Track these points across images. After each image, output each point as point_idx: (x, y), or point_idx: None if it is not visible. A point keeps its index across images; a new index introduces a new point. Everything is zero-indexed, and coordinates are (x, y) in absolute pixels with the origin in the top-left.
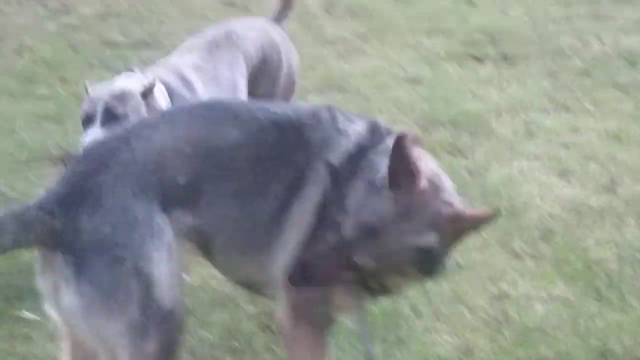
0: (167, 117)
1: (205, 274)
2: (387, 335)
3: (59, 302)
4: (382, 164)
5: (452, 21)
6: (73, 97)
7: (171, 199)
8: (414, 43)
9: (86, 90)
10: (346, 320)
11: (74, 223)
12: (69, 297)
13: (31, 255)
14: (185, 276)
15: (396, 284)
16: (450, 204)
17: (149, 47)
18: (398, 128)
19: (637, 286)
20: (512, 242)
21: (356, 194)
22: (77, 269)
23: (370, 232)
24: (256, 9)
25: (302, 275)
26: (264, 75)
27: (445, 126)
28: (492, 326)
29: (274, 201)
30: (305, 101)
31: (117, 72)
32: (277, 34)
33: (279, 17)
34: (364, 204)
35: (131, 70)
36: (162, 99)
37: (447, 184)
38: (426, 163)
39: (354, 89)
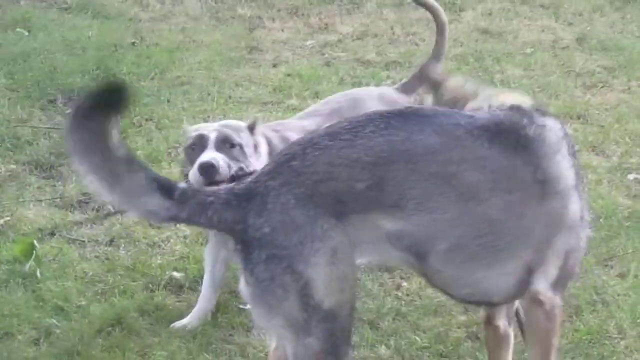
0: (351, 126)
1: (423, 281)
2: (590, 352)
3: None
4: None
5: None
6: None
7: (352, 205)
8: None
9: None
10: None
11: (243, 217)
12: (243, 283)
13: None
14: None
15: None
16: None
17: (401, 67)
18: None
19: None
20: None
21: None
22: (245, 259)
23: None
24: (511, 37)
25: None
26: None
27: None
28: None
29: (503, 204)
30: None
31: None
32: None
33: (410, 89)
34: None
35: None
36: (263, 144)
37: None
38: None
39: (594, 119)
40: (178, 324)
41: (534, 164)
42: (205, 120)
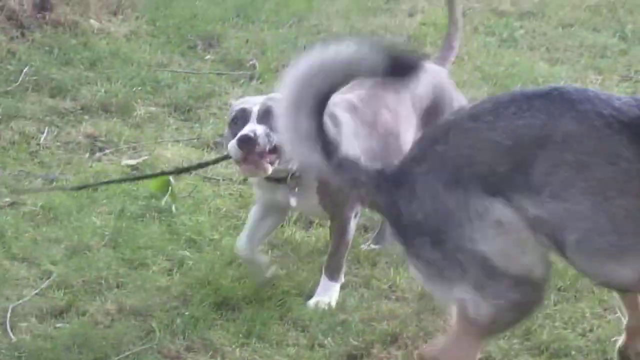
0: (493, 107)
1: None
2: None
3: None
4: None
5: None
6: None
7: (497, 187)
8: None
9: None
10: None
11: (394, 204)
12: (412, 266)
13: None
14: None
15: None
16: None
17: (535, 18)
18: None
19: None
20: None
21: None
22: (406, 244)
23: None
24: None
25: None
26: (434, 119)
27: None
28: None
29: (630, 207)
30: None
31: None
32: (445, 76)
33: (443, 61)
34: None
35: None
36: None
37: None
38: None
39: None
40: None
41: None
42: None
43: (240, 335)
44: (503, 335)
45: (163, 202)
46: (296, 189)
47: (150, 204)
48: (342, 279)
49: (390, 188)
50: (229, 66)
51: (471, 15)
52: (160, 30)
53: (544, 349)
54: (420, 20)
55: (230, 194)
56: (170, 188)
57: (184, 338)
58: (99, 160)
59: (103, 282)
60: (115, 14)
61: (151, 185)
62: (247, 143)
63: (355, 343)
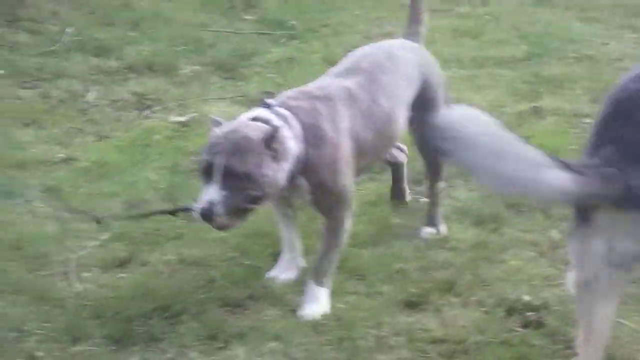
0: None
1: None
2: None
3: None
4: None
5: None
6: (491, 17)
7: None
8: None
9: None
10: None
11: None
12: None
13: None
14: None
15: None
16: None
17: None
18: None
19: None
20: None
21: None
22: None
23: None
24: None
25: None
26: (424, 99)
27: None
28: None
29: None
30: None
31: None
32: (429, 55)
33: (416, 37)
34: None
35: (267, 99)
36: (291, 140)
37: None
38: None
39: None
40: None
41: None
42: (378, 27)
43: (301, 284)
44: None
45: None
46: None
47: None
48: (330, 285)
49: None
50: (268, 26)
51: None
52: None
53: None
54: None
55: None
56: None
57: (245, 287)
58: (148, 117)
59: (162, 234)
60: None
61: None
62: (207, 218)
63: (413, 290)
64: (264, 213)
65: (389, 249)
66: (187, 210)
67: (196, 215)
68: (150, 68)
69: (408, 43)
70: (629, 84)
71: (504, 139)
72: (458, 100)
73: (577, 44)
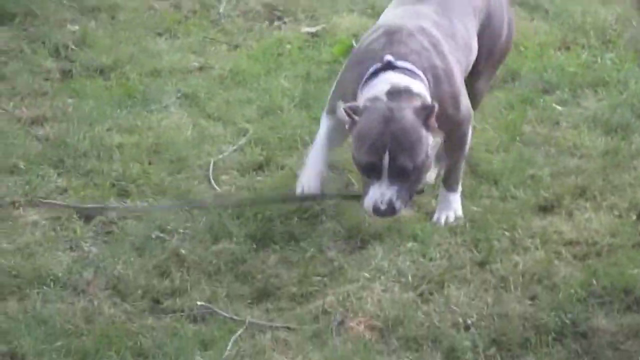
0: None
1: None
2: None
3: None
4: None
5: None
6: None
7: None
8: None
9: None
10: None
11: None
12: None
13: None
14: None
15: None
16: None
17: None
18: None
19: None
20: None
21: None
22: None
23: None
24: None
25: None
26: (486, 33)
27: None
28: None
29: None
30: None
31: None
32: None
33: None
34: None
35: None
36: (426, 93)
37: None
38: None
39: None
40: None
41: None
42: None
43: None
44: None
45: None
46: None
47: (333, 68)
48: (460, 188)
49: None
50: None
51: None
52: None
53: None
54: None
55: None
56: None
57: None
58: (279, 28)
59: (298, 139)
60: None
61: (334, 49)
62: (383, 215)
63: (546, 195)
64: None
65: (520, 155)
66: (317, 198)
67: (370, 211)
68: None
69: None
70: None
71: None
72: None
73: None
